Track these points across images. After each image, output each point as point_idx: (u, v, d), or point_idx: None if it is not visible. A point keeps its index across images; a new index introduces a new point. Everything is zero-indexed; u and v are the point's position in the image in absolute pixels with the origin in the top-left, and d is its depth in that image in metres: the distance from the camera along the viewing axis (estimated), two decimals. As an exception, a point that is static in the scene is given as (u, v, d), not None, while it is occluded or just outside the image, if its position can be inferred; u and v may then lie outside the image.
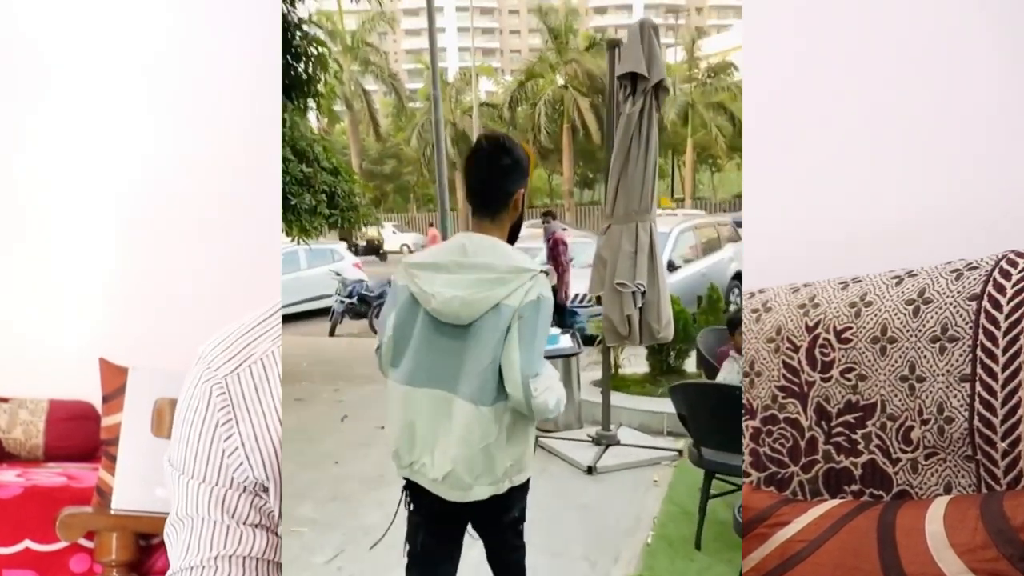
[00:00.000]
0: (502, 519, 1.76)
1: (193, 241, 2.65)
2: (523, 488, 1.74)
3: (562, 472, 3.66)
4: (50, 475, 2.38)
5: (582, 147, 26.90)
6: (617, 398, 4.39)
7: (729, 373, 3.11)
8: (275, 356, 0.98)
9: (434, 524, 1.74)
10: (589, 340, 4.85)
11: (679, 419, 3.00)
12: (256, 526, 0.97)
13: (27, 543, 2.15)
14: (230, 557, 0.94)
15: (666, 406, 4.28)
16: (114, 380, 2.49)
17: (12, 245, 2.76)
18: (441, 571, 1.78)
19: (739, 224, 11.42)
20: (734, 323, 3.11)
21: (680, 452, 3.86)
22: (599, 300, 3.66)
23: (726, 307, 5.65)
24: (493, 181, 1.64)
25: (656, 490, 3.44)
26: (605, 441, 3.90)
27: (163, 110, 2.68)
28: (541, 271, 1.61)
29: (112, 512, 1.93)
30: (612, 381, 4.36)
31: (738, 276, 9.61)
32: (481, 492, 1.63)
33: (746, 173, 1.74)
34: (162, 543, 2.14)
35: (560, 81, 25.72)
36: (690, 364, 5.06)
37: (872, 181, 1.61)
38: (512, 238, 1.72)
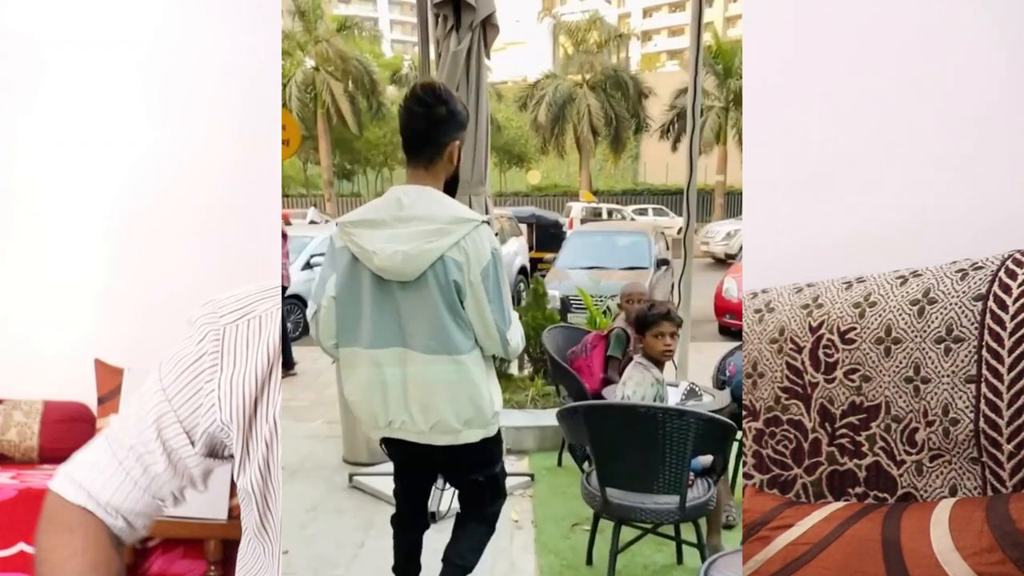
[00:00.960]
0: (475, 474, 1.82)
1: (190, 240, 2.65)
2: (499, 439, 1.81)
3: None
4: (45, 477, 2.38)
5: (339, 135, 24.50)
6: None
7: (640, 386, 2.44)
8: (273, 316, 1.09)
9: (407, 470, 1.87)
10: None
11: (570, 451, 2.41)
12: (171, 460, 1.08)
13: (21, 546, 2.14)
14: (132, 447, 1.07)
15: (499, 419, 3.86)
16: (109, 381, 2.48)
17: (5, 244, 2.76)
18: (418, 520, 1.93)
19: (520, 219, 11.39)
20: (646, 322, 2.50)
21: (532, 476, 3.34)
22: None
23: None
24: (427, 130, 1.63)
25: (521, 534, 2.79)
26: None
27: (159, 106, 2.67)
28: (483, 221, 1.63)
29: (107, 515, 1.92)
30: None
31: (523, 271, 9.59)
32: (472, 435, 1.69)
33: (746, 171, 1.74)
34: (158, 546, 2.14)
35: (310, 63, 23.43)
36: (512, 367, 4.57)
37: (875, 180, 1.61)
38: (449, 192, 1.72)
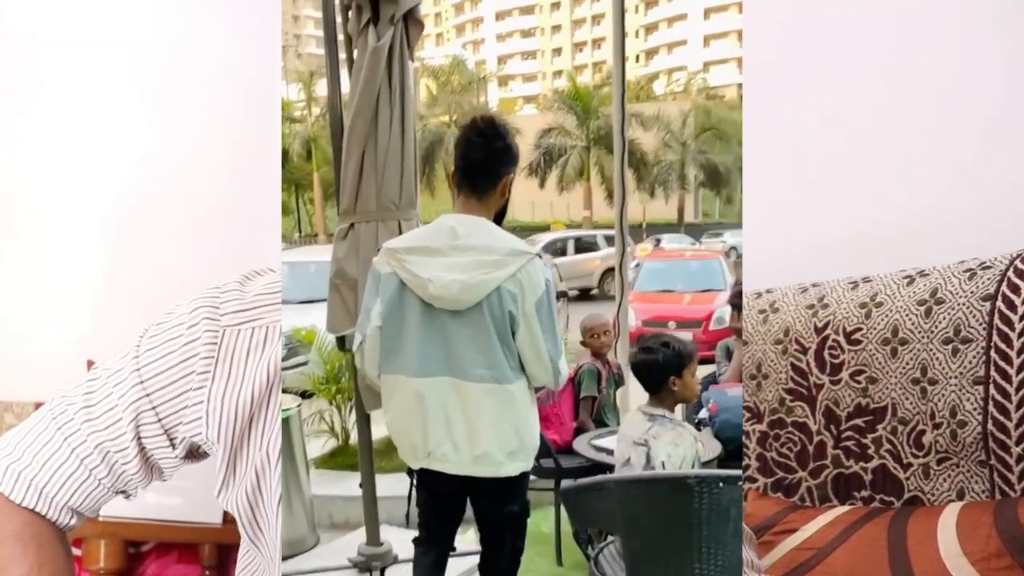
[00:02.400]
0: (507, 507, 1.79)
1: (186, 240, 2.65)
2: (527, 475, 1.79)
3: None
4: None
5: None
6: (333, 483, 3.06)
7: (676, 447, 1.89)
8: (277, 329, 0.99)
9: (439, 503, 1.83)
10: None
11: (575, 538, 1.94)
12: (147, 462, 0.98)
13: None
14: (100, 445, 0.96)
15: (395, 485, 2.78)
16: (103, 383, 2.47)
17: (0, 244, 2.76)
18: (444, 541, 1.89)
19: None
20: (681, 362, 1.99)
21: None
22: (340, 342, 2.41)
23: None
24: (485, 161, 1.68)
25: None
26: (377, 564, 2.50)
27: (156, 104, 2.67)
28: (536, 254, 1.67)
29: (100, 519, 1.92)
30: (322, 457, 3.32)
31: None
32: (512, 468, 1.68)
33: (746, 169, 1.74)
34: (152, 550, 2.14)
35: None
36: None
37: (880, 178, 1.61)
38: (497, 223, 1.74)
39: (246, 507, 1.01)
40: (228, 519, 1.94)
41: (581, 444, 2.55)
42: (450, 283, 1.59)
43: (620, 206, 3.39)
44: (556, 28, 49.40)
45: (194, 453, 1.03)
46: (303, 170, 25.64)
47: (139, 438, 0.96)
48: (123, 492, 1.03)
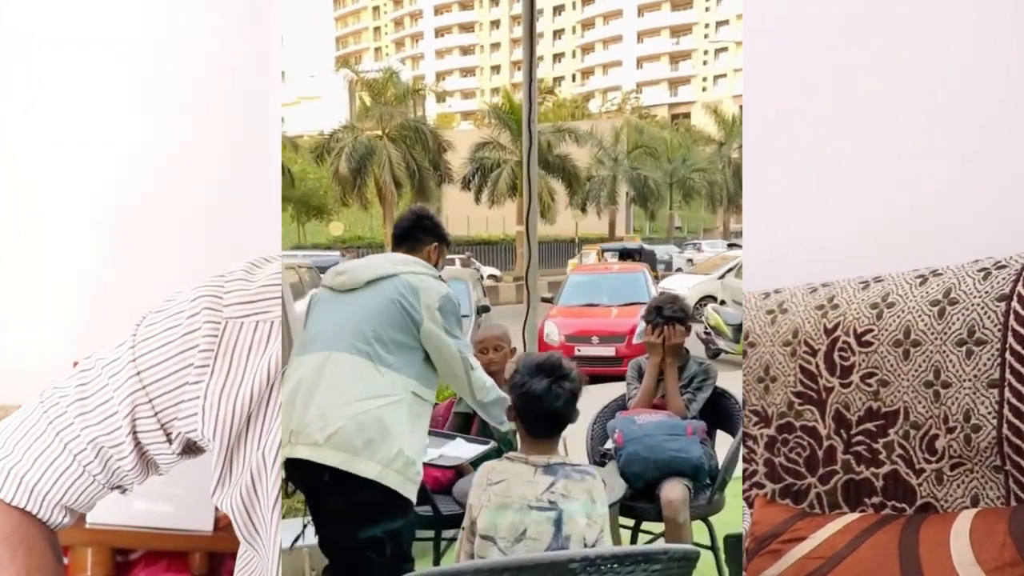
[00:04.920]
0: (356, 531, 1.66)
1: (176, 240, 2.65)
2: (404, 506, 1.67)
3: None
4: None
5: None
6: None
7: (595, 504, 1.53)
8: (279, 324, 0.98)
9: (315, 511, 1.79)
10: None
11: None
12: (142, 457, 0.97)
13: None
14: (94, 440, 0.95)
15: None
16: (90, 386, 2.47)
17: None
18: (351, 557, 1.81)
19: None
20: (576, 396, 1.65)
21: None
22: None
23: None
24: (412, 229, 2.03)
25: None
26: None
27: (147, 97, 2.67)
28: (439, 277, 1.91)
29: (87, 526, 1.93)
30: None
31: None
32: (367, 467, 1.60)
33: (746, 165, 1.74)
34: (141, 559, 2.14)
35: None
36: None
37: (893, 174, 1.61)
38: None
39: (241, 509, 1.00)
40: (219, 527, 1.95)
41: (458, 490, 2.10)
42: (351, 265, 1.90)
43: (527, 215, 3.52)
44: (495, 46, 51.91)
45: (191, 448, 1.02)
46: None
47: (135, 432, 0.96)
48: (119, 487, 1.03)
